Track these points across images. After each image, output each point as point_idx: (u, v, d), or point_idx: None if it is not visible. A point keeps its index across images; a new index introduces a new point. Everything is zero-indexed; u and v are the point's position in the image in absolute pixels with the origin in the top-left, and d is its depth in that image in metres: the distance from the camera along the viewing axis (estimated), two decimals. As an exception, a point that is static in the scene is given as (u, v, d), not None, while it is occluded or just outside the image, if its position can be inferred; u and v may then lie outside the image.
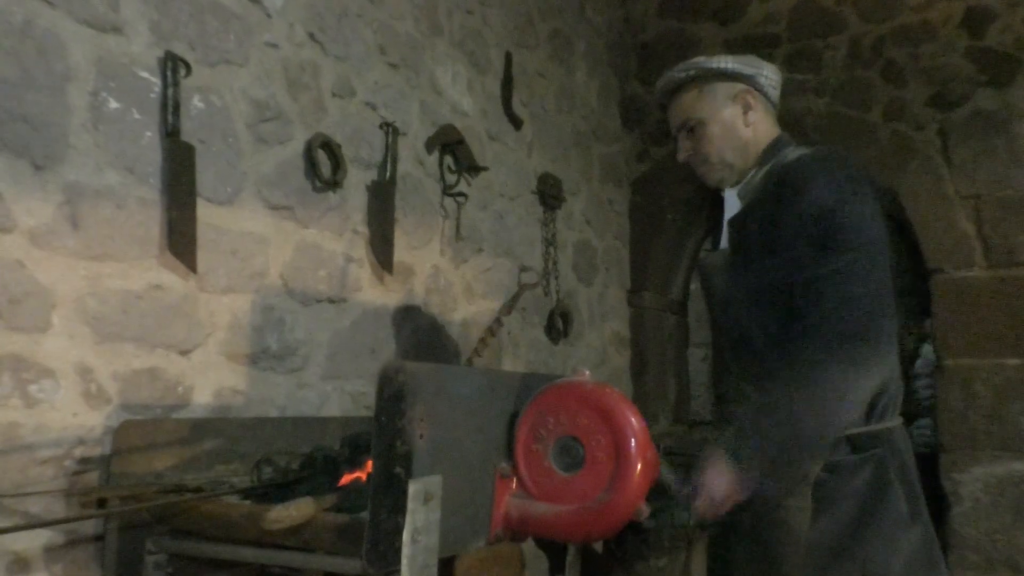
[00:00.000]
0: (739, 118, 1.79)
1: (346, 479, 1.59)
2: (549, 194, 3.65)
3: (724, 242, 1.83)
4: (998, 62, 3.70)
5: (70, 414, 1.68)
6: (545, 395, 1.57)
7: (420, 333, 2.75)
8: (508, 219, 3.34)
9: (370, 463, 1.57)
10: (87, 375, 1.71)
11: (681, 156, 1.87)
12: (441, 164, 2.92)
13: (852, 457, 1.62)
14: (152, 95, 1.89)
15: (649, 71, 4.51)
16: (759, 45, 4.18)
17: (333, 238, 2.41)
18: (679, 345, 4.74)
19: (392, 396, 1.32)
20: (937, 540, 1.70)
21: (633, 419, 1.52)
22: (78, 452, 1.68)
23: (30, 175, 1.64)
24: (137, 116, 1.85)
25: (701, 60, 1.82)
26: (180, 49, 1.95)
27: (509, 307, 2.45)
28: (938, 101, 3.80)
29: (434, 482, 1.37)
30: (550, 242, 3.65)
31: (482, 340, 2.35)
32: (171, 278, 1.91)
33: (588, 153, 4.10)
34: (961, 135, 3.75)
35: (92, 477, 1.70)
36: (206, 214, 2.00)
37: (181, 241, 1.92)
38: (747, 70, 1.80)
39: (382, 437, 1.31)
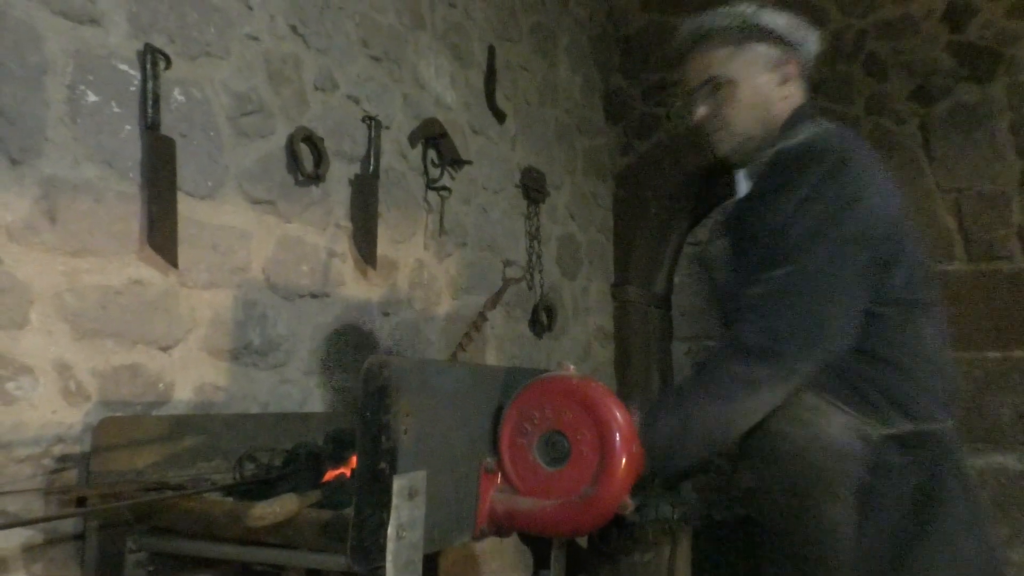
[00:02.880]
0: (774, 89, 1.57)
1: (330, 475, 1.58)
2: (533, 188, 3.65)
3: None
4: (979, 56, 3.72)
5: (49, 411, 1.66)
6: (530, 390, 1.56)
7: (404, 328, 2.73)
8: (492, 213, 3.33)
9: (354, 459, 1.56)
10: (66, 372, 1.69)
11: (696, 117, 1.63)
12: (424, 158, 2.90)
13: (900, 459, 1.45)
14: (131, 88, 1.86)
15: (632, 64, 4.51)
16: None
17: (316, 232, 2.39)
18: (663, 339, 4.76)
19: (376, 391, 1.31)
20: (998, 547, 1.56)
21: (618, 413, 1.52)
22: (57, 450, 1.66)
23: (6, 169, 1.61)
24: (116, 109, 1.82)
25: (746, 10, 1.57)
26: (159, 41, 1.93)
27: (494, 302, 2.44)
28: (919, 95, 3.83)
29: (419, 477, 1.36)
30: (534, 236, 3.65)
31: (466, 335, 2.34)
32: (151, 273, 1.89)
33: (572, 147, 4.09)
34: (942, 129, 3.77)
35: (71, 475, 1.68)
36: (187, 208, 1.97)
37: (161, 236, 1.90)
38: (795, 36, 1.58)
39: (366, 432, 1.30)
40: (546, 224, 3.76)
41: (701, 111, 1.61)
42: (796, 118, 1.58)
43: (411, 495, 1.34)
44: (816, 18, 4.05)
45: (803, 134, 1.53)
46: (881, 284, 1.44)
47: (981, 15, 3.73)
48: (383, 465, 1.31)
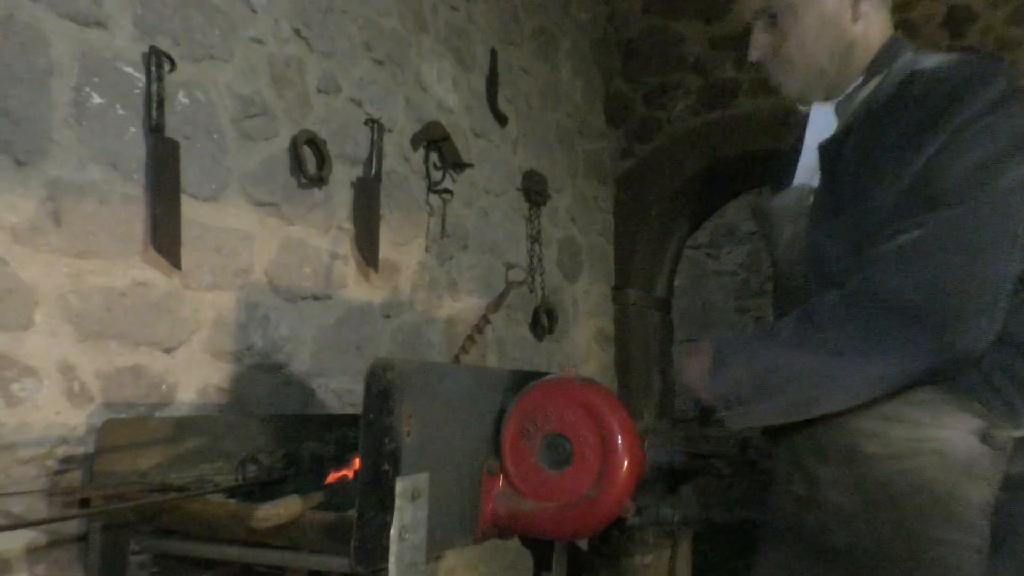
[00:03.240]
0: (846, 9, 1.31)
1: (333, 477, 1.58)
2: (534, 191, 3.65)
3: (800, 178, 1.38)
4: (978, 62, 3.73)
5: (52, 413, 1.66)
6: (532, 392, 1.57)
7: (405, 330, 2.74)
8: (493, 216, 3.34)
9: (357, 461, 1.57)
10: (70, 373, 1.70)
11: (753, 55, 1.39)
12: (427, 161, 2.91)
13: None
14: (136, 90, 1.87)
15: (633, 68, 4.52)
16: (744, 44, 4.19)
17: (318, 235, 2.40)
18: (663, 342, 4.76)
19: (380, 393, 1.31)
20: None
21: (620, 416, 1.53)
22: (61, 451, 1.67)
23: (12, 171, 1.62)
24: (121, 111, 1.83)
25: None
26: (164, 44, 1.93)
27: (496, 304, 2.46)
28: (919, 100, 3.83)
29: (421, 479, 1.37)
30: (535, 239, 3.66)
31: (469, 337, 2.36)
32: (155, 275, 1.89)
33: (573, 150, 4.10)
34: (942, 134, 3.78)
35: (75, 476, 1.69)
36: (190, 211, 1.98)
37: (165, 238, 1.90)
38: None
39: (369, 434, 1.31)
40: (547, 227, 3.77)
41: (757, 48, 1.38)
42: (895, 48, 1.31)
43: (414, 497, 1.35)
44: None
45: (930, 60, 1.25)
46: None
47: (981, 21, 3.74)
48: (386, 467, 1.31)
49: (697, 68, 4.33)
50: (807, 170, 1.36)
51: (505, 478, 1.56)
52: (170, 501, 1.57)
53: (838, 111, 1.35)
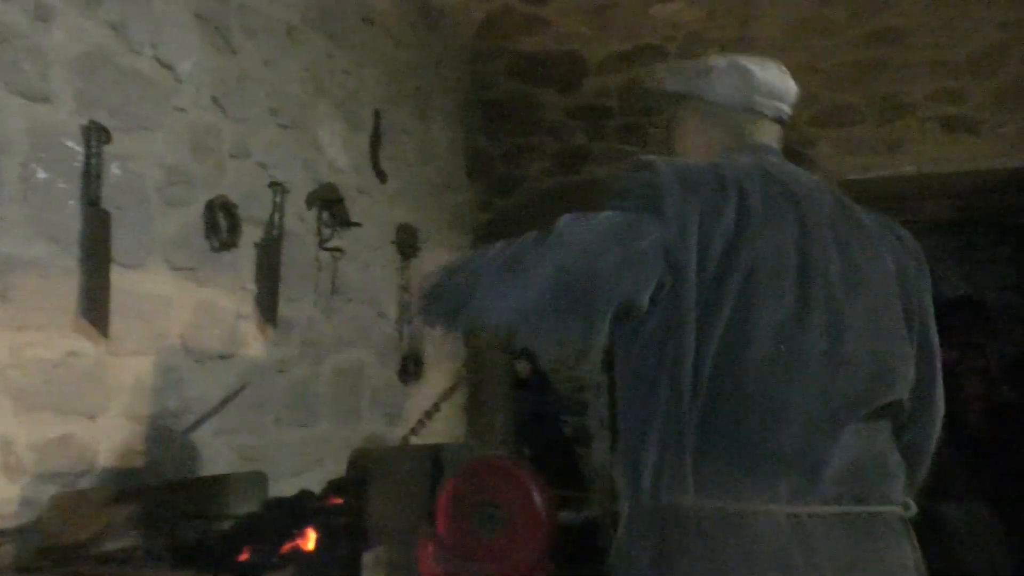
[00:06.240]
0: None
1: (287, 547, 1.72)
2: (407, 243, 3.85)
3: None
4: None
5: (-11, 487, 1.68)
6: (467, 467, 1.80)
7: (296, 383, 2.85)
8: (373, 270, 3.50)
9: (308, 531, 1.72)
10: (7, 447, 1.72)
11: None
12: (319, 219, 3.04)
13: None
14: (76, 164, 1.91)
15: (495, 127, 4.83)
16: (593, 116, 4.65)
17: (226, 296, 2.48)
18: (515, 387, 5.09)
19: (357, 480, 1.50)
20: None
21: (541, 488, 1.80)
22: (-2, 525, 1.68)
23: (-38, 248, 1.63)
24: (62, 185, 1.87)
25: None
26: (102, 116, 1.98)
27: (448, 394, 2.79)
28: (742, 181, 4.42)
29: (382, 551, 1.57)
30: (405, 289, 3.85)
31: (420, 422, 2.61)
32: (85, 344, 1.93)
33: (440, 203, 4.34)
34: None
35: (9, 550, 1.70)
36: (119, 279, 2.03)
37: (95, 307, 1.94)
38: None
39: (348, 514, 1.49)
40: (415, 277, 3.97)
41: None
42: None
43: (375, 566, 1.54)
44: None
45: None
46: None
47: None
48: (356, 542, 1.50)
49: (553, 133, 4.72)
50: None
51: (441, 543, 1.77)
52: (114, 573, 1.64)
53: None
